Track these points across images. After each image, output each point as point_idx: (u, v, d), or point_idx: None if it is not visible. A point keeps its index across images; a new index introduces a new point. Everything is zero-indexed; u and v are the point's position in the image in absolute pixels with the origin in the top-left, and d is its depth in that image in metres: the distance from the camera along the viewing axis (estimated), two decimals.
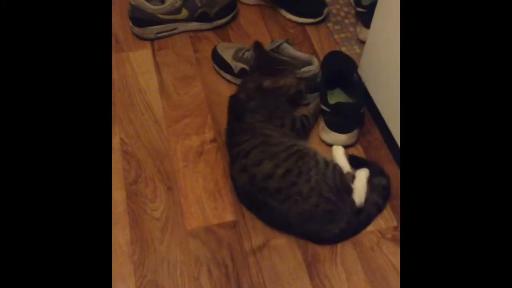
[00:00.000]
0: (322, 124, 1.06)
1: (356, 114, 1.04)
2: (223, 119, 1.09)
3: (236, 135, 0.98)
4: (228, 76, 1.17)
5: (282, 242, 0.92)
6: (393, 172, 1.00)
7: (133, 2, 1.21)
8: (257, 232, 0.94)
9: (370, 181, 0.95)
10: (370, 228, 0.94)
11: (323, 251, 0.91)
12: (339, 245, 0.92)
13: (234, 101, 1.04)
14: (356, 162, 0.99)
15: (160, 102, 1.14)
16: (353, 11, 1.34)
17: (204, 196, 0.99)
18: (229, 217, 0.96)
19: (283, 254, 0.91)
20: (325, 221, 0.90)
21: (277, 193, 0.89)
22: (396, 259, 0.90)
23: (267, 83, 1.01)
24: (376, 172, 0.97)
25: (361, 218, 0.93)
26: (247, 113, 0.99)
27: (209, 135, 1.08)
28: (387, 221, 0.95)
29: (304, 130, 1.05)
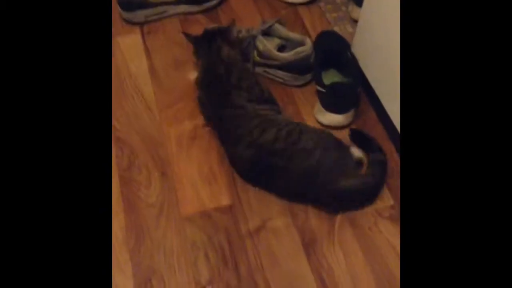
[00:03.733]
0: (318, 105, 1.05)
1: (353, 93, 1.03)
2: None
3: (233, 121, 0.97)
4: None
5: (279, 223, 0.92)
6: (389, 150, 1.00)
7: None
8: (253, 215, 0.93)
9: (368, 155, 0.97)
10: (367, 207, 0.94)
11: (320, 231, 0.91)
12: (336, 225, 0.92)
13: (216, 79, 1.02)
14: (357, 137, 1.01)
15: (152, 87, 1.12)
16: None
17: (199, 180, 0.98)
18: (225, 201, 0.95)
19: (280, 235, 0.91)
20: (334, 172, 0.90)
21: (283, 152, 0.90)
22: (393, 238, 0.90)
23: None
24: (374, 149, 0.98)
25: (368, 180, 0.94)
26: (233, 91, 0.98)
27: (202, 119, 1.07)
28: (384, 200, 0.95)
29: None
